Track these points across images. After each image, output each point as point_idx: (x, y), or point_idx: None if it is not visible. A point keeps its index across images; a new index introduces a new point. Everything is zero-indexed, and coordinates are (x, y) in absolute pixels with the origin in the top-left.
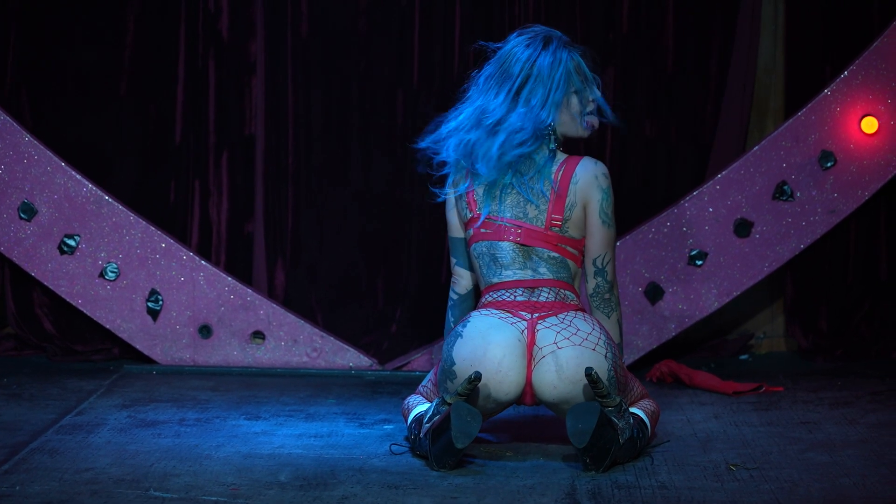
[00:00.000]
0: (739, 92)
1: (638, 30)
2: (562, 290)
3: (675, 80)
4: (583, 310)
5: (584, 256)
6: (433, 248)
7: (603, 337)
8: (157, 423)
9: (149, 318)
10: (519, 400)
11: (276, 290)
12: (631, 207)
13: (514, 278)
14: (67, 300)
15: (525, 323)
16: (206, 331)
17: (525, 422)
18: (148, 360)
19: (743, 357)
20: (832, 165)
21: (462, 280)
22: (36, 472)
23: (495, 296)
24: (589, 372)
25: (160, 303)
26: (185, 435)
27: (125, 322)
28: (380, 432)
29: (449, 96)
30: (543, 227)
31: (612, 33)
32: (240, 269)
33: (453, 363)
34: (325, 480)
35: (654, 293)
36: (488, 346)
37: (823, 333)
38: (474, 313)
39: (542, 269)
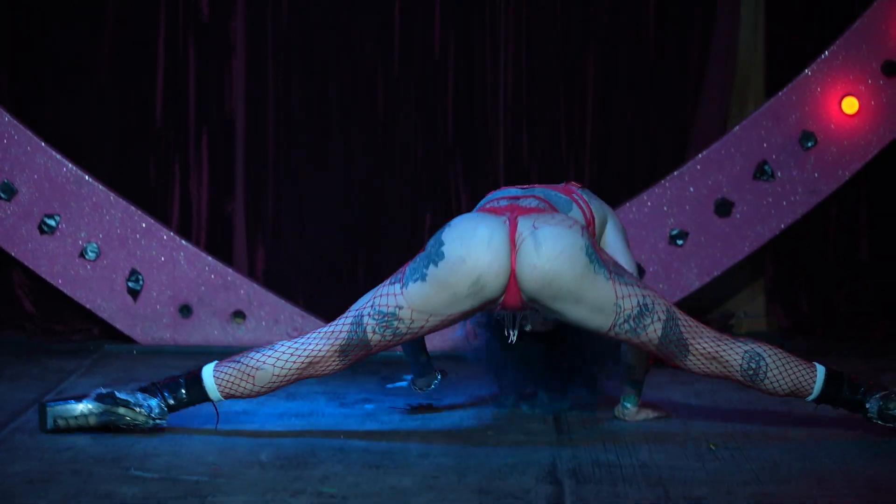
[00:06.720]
0: (720, 72)
1: (618, 8)
2: (548, 208)
3: (655, 61)
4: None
5: None
6: (414, 228)
7: (580, 223)
8: None
9: (129, 297)
10: (504, 299)
11: (257, 270)
12: (612, 188)
13: (503, 195)
14: (48, 280)
15: (506, 216)
16: (186, 310)
17: (504, 403)
18: (128, 340)
19: None
20: (813, 145)
21: None
22: (17, 451)
23: (480, 206)
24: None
25: (140, 282)
26: None
27: (105, 302)
28: (360, 412)
29: (429, 80)
30: (562, 185)
31: (593, 7)
32: (220, 249)
33: (441, 244)
34: (305, 460)
35: None
36: (477, 226)
37: (804, 313)
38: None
39: (540, 193)
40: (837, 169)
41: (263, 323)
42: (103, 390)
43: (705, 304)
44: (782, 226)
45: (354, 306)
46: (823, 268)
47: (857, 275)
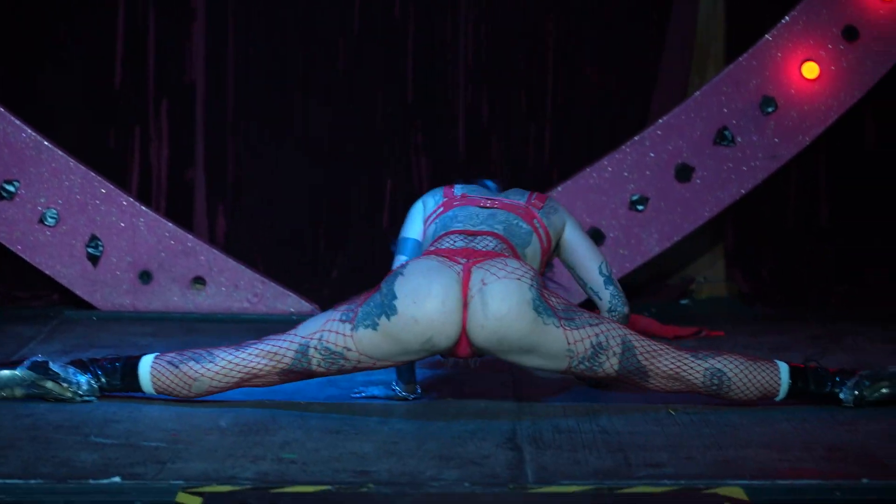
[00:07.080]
0: (680, 38)
1: None
2: (505, 248)
3: (617, 27)
4: (519, 258)
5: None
6: (375, 195)
7: (531, 272)
8: None
9: (89, 263)
10: (454, 349)
11: (217, 236)
12: (573, 153)
13: (462, 228)
14: (7, 246)
15: (461, 266)
16: (146, 276)
17: (466, 369)
18: (88, 306)
19: (683, 302)
20: (773, 111)
21: None
22: None
23: (437, 244)
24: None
25: (100, 248)
26: None
27: (65, 268)
28: (320, 378)
29: (390, 43)
30: (524, 203)
31: None
32: (180, 215)
33: (394, 297)
34: (265, 426)
35: (594, 238)
36: (431, 284)
37: (764, 278)
38: (413, 258)
39: (499, 227)
40: (798, 134)
41: (223, 289)
42: (39, 359)
43: (665, 270)
44: (742, 191)
45: (302, 330)
46: (783, 233)
47: (817, 240)
